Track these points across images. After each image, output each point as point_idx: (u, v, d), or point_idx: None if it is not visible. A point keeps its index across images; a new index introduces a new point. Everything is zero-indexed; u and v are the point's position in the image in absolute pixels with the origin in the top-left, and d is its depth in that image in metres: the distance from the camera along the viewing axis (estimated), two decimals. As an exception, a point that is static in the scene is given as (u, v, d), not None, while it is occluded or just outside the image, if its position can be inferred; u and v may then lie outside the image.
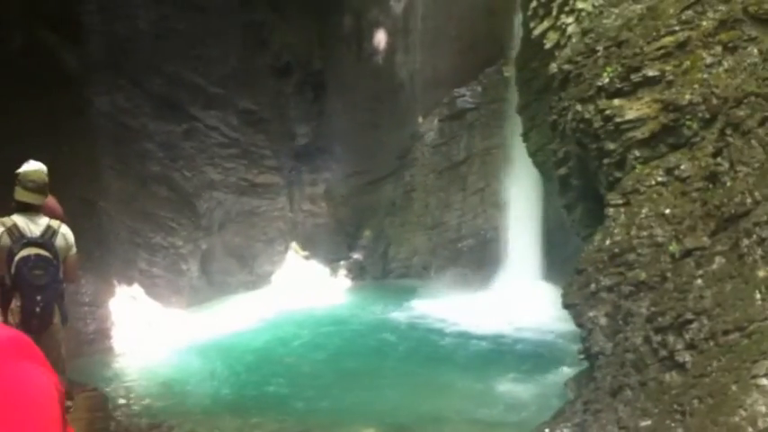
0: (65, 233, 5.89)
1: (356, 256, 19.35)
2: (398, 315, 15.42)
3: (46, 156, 6.89)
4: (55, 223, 5.87)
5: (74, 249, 6.04)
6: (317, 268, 18.70)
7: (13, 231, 5.62)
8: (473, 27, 17.76)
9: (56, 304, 5.78)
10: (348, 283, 18.68)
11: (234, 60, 16.42)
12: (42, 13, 12.04)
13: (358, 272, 19.09)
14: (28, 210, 5.85)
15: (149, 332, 13.34)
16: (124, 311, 13.36)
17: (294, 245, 18.73)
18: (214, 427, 8.88)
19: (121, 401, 9.63)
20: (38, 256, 5.56)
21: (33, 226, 5.75)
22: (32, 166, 6.40)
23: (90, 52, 12.99)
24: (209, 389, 10.86)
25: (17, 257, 5.47)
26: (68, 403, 7.05)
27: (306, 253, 18.84)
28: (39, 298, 5.53)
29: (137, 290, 14.29)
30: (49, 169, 6.76)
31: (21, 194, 5.90)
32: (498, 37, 17.07)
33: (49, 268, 5.70)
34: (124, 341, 12.68)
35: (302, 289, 17.23)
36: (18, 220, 5.76)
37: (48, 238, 5.74)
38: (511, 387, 10.04)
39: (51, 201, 6.66)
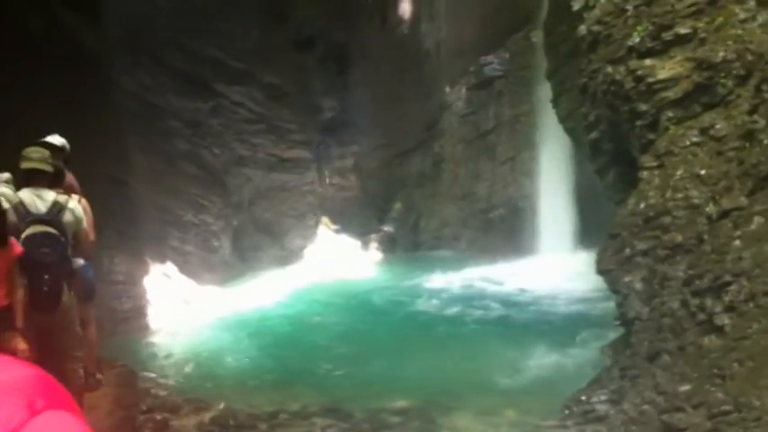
0: (73, 208, 5.76)
1: (387, 228, 19.32)
2: (430, 286, 15.37)
3: (72, 136, 6.91)
4: (62, 198, 5.74)
5: (83, 224, 5.93)
6: (348, 242, 18.71)
7: (19, 208, 5.49)
8: (498, -8, 17.50)
9: (65, 282, 5.66)
10: (379, 255, 18.67)
11: (255, 35, 16.34)
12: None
13: (389, 244, 19.06)
14: (33, 182, 5.78)
15: (184, 309, 13.45)
16: (158, 289, 13.46)
17: (324, 219, 18.74)
18: (249, 403, 8.88)
19: (157, 378, 9.68)
20: (44, 233, 5.46)
21: (40, 202, 5.63)
22: (51, 140, 6.42)
23: (110, 32, 12.96)
24: (244, 364, 10.91)
25: (23, 236, 5.36)
26: (99, 377, 7.11)
27: (336, 227, 18.85)
28: (46, 277, 5.43)
29: (170, 267, 14.39)
30: (76, 149, 6.75)
31: (24, 163, 5.85)
32: (524, 2, 16.79)
33: (57, 246, 5.60)
34: (159, 319, 12.79)
35: (334, 263, 17.27)
36: (24, 195, 5.64)
37: (54, 214, 5.62)
38: (545, 355, 9.95)
39: (69, 177, 6.65)
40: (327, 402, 8.78)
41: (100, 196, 11.44)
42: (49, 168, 5.75)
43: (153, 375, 9.85)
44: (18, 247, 5.27)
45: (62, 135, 7.07)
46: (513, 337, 11.20)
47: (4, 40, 10.81)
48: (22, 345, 5.10)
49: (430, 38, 18.92)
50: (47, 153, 5.90)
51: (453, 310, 13.39)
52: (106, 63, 12.80)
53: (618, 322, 7.80)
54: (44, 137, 6.58)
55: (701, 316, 6.16)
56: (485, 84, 18.48)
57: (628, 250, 7.45)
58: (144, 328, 12.44)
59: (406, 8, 18.80)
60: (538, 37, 15.38)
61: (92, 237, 6.41)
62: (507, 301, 13.46)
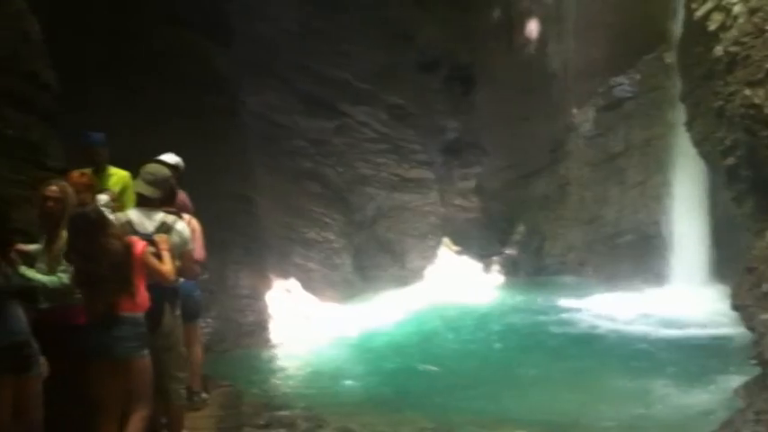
0: (180, 230, 5.83)
1: (509, 251, 19.00)
2: (553, 312, 14.97)
3: (200, 155, 7.15)
4: (170, 218, 5.80)
5: (190, 245, 6.00)
6: (469, 264, 18.51)
7: (126, 228, 5.60)
8: (630, 12, 16.94)
9: (167, 303, 5.73)
10: (501, 278, 18.37)
11: (380, 56, 16.54)
12: (192, 18, 12.57)
13: (511, 268, 18.73)
14: (145, 203, 5.93)
15: (304, 325, 13.64)
16: (280, 304, 13.73)
17: (446, 240, 18.63)
18: (366, 423, 8.84)
19: (271, 395, 9.81)
20: None
21: (148, 222, 5.72)
22: (165, 158, 6.59)
23: (239, 54, 13.42)
24: (360, 384, 10.91)
25: None
26: (204, 396, 7.21)
27: (458, 248, 18.70)
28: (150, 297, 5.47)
29: (292, 283, 14.67)
30: (204, 168, 6.92)
31: (136, 185, 6.02)
32: (657, 21, 16.20)
33: None
34: (280, 333, 13.02)
35: (454, 285, 17.11)
36: (133, 215, 5.78)
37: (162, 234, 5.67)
38: (672, 391, 9.43)
39: (182, 196, 6.79)
40: (442, 427, 8.65)
41: (227, 213, 11.89)
42: (155, 194, 5.84)
43: (268, 390, 10.01)
44: (140, 245, 5.41)
45: (190, 154, 7.30)
46: (638, 371, 10.70)
47: (136, 62, 11.40)
48: None
49: (557, 58, 18.56)
50: (160, 173, 6.05)
51: (576, 340, 12.97)
52: (235, 84, 13.25)
53: (754, 362, 7.31)
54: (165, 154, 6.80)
55: None
56: (614, 105, 17.94)
57: (765, 285, 6.98)
58: (265, 342, 12.68)
59: (532, 28, 18.54)
60: (671, 58, 14.82)
61: (200, 256, 6.51)
62: (634, 333, 12.90)
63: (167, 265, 5.49)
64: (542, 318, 14.67)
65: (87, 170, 6.72)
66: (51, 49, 7.84)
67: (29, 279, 4.99)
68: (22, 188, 5.80)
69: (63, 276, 5.22)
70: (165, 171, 6.11)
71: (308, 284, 14.97)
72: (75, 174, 6.32)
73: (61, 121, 7.74)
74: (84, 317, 5.21)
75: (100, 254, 5.13)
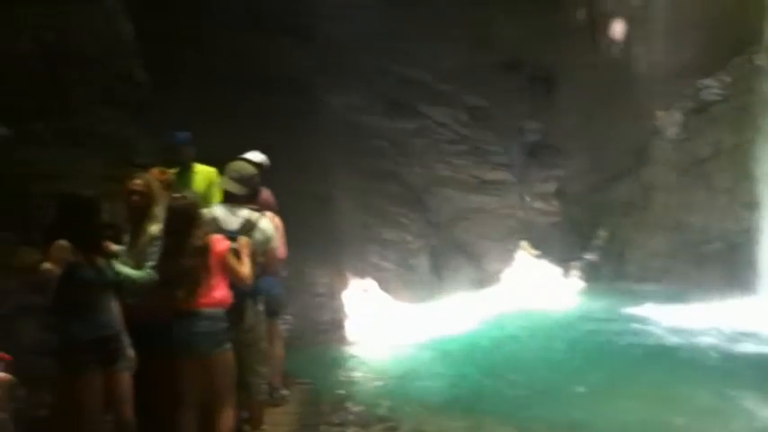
0: (264, 227, 5.89)
1: (590, 256, 18.59)
2: (633, 321, 14.52)
3: (282, 154, 7.22)
4: (254, 216, 5.87)
5: (273, 243, 6.05)
6: (548, 268, 18.21)
7: (212, 225, 5.65)
8: (720, 12, 16.33)
9: (250, 299, 5.78)
10: (580, 284, 17.99)
11: (461, 57, 16.45)
12: (276, 19, 12.74)
13: (591, 274, 18.32)
14: (230, 200, 5.94)
15: (379, 325, 13.66)
16: (356, 304, 13.79)
17: (524, 244, 18.37)
18: (441, 426, 8.77)
19: (345, 394, 9.82)
20: (233, 250, 5.58)
21: (232, 219, 5.79)
22: (250, 156, 6.66)
23: (323, 55, 13.53)
24: (435, 385, 10.80)
25: None
26: (284, 392, 7.28)
27: (536, 252, 18.42)
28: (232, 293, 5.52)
29: (369, 283, 14.71)
30: (286, 166, 7.00)
31: (222, 182, 6.09)
32: (749, 22, 15.58)
33: None
34: (355, 333, 13.06)
35: (532, 289, 16.87)
36: (218, 211, 5.87)
37: (245, 231, 5.74)
38: (755, 410, 9.01)
39: (266, 194, 6.86)
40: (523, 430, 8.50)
41: (306, 212, 12.00)
42: (240, 191, 5.93)
43: (343, 389, 10.03)
44: (223, 244, 5.47)
45: (274, 153, 7.40)
46: (719, 386, 10.24)
47: (221, 64, 11.63)
48: None
49: (642, 60, 18.04)
50: (245, 170, 6.12)
51: (656, 350, 12.53)
52: (317, 85, 13.37)
53: None
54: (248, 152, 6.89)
55: None
56: (702, 109, 17.30)
57: None
58: (340, 341, 12.75)
59: (617, 29, 18.10)
60: (762, 60, 14.25)
61: (281, 254, 6.57)
62: (721, 345, 12.38)
63: (246, 268, 5.52)
64: (622, 326, 14.25)
65: (166, 168, 6.76)
66: (142, 50, 8.07)
67: (119, 273, 5.10)
68: (114, 184, 5.89)
69: (152, 272, 5.28)
70: (251, 169, 6.21)
71: (384, 284, 14.99)
72: (156, 171, 6.41)
73: (151, 120, 7.96)
74: (168, 312, 5.30)
75: (187, 249, 5.25)
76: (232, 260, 5.45)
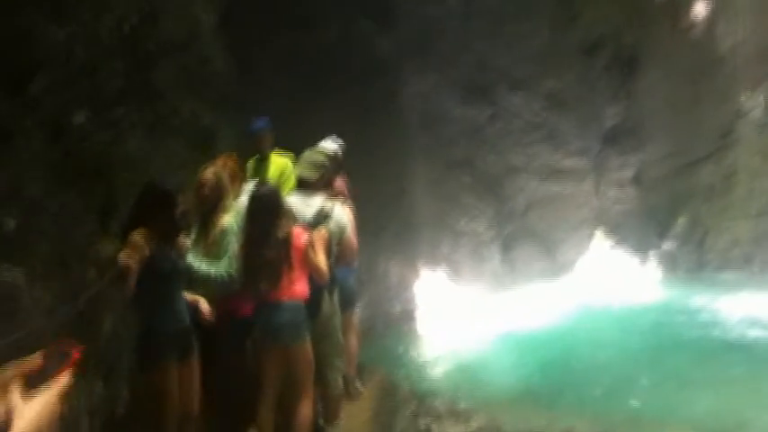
0: (338, 217, 5.80)
1: (668, 245, 17.98)
2: (714, 311, 14.00)
3: (357, 141, 7.10)
4: (328, 205, 5.75)
5: (348, 231, 5.97)
6: (624, 258, 17.71)
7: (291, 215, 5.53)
8: (807, -10, 15.57)
9: (325, 290, 5.65)
10: (658, 274, 17.45)
11: (542, 39, 16.04)
12: (358, 2, 12.60)
13: (670, 263, 17.73)
14: (302, 187, 5.81)
15: (451, 316, 13.51)
16: (428, 294, 13.66)
17: (600, 232, 17.91)
18: (516, 418, 8.59)
19: (419, 385, 9.72)
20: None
21: (306, 208, 5.70)
22: (325, 144, 6.56)
23: (402, 37, 13.35)
24: (508, 378, 10.64)
25: None
26: (359, 385, 7.20)
27: (612, 241, 17.93)
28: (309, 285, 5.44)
29: (440, 273, 14.56)
30: (361, 154, 6.88)
31: (296, 168, 6.00)
32: (839, -2, 14.78)
33: None
34: (427, 324, 12.95)
35: (608, 279, 16.45)
36: (293, 201, 5.75)
37: (320, 221, 5.66)
38: None
39: (340, 183, 6.77)
40: (598, 427, 8.26)
41: (381, 200, 11.90)
42: (313, 177, 5.85)
43: (416, 381, 9.94)
44: (303, 236, 5.36)
45: (351, 139, 7.30)
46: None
47: (304, 49, 11.57)
48: None
49: (727, 40, 17.30)
50: (318, 159, 6.02)
51: (739, 342, 12.06)
52: (397, 69, 13.22)
53: None
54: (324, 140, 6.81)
55: None
56: (788, 90, 16.56)
57: None
58: (412, 333, 12.67)
59: (700, 9, 17.39)
60: None
61: (354, 243, 6.47)
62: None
63: (322, 263, 5.47)
64: (701, 317, 13.77)
65: (236, 157, 6.53)
66: (224, 37, 8.03)
67: (190, 267, 5.07)
68: (194, 173, 5.81)
69: (228, 269, 5.21)
70: (324, 156, 6.15)
71: (455, 275, 14.82)
72: (222, 159, 6.29)
73: (232, 108, 7.93)
74: (245, 308, 5.26)
75: (271, 238, 5.20)
76: (312, 254, 5.39)
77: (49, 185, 4.03)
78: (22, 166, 3.75)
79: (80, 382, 4.49)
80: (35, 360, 1.47)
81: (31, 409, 1.35)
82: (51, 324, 3.84)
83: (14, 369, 1.47)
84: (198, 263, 5.16)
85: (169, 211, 4.84)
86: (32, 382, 1.41)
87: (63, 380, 1.44)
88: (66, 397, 1.46)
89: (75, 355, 1.49)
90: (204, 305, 5.16)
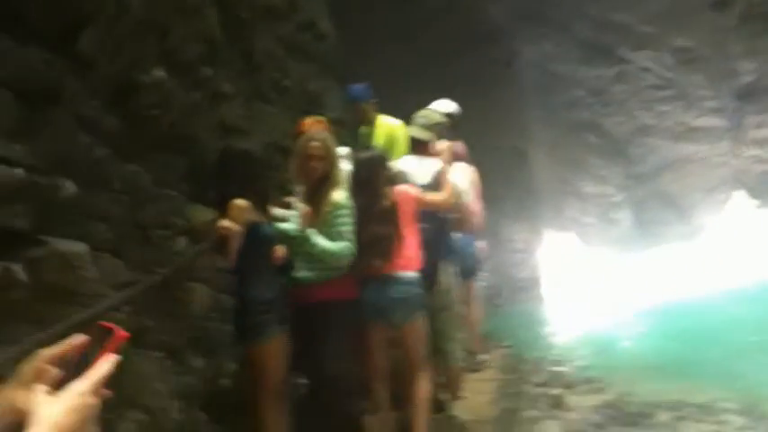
0: (455, 180, 5.45)
1: (815, 206, 16.85)
2: None
3: (475, 107, 6.94)
4: (445, 170, 5.37)
5: (467, 196, 5.71)
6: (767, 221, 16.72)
7: (399, 178, 5.11)
8: None
9: (443, 260, 5.36)
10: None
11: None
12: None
13: (818, 225, 16.62)
14: (416, 149, 5.56)
15: (579, 281, 13.22)
16: (554, 260, 13.40)
17: (739, 193, 16.97)
18: (651, 389, 8.25)
19: (548, 353, 9.54)
20: None
21: (422, 172, 5.34)
22: (439, 105, 6.35)
23: (515, 3, 13.01)
24: (640, 347, 10.24)
25: None
26: (483, 357, 6.92)
27: (756, 202, 16.95)
28: (425, 255, 5.01)
29: (567, 238, 14.24)
30: (480, 120, 6.73)
31: (410, 129, 5.75)
32: None
33: (434, 220, 5.23)
34: (554, 289, 12.72)
35: (748, 243, 15.57)
36: (406, 164, 5.43)
37: (438, 185, 5.27)
38: None
39: (458, 146, 6.52)
40: (741, 398, 7.81)
41: (502, 166, 11.72)
42: (426, 136, 5.55)
43: (544, 349, 9.75)
44: (411, 191, 5.07)
45: (467, 106, 7.12)
46: None
47: (415, 15, 11.44)
48: None
49: None
50: (433, 118, 5.81)
51: None
52: (510, 34, 12.92)
53: None
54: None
55: None
56: None
57: None
58: (537, 299, 12.47)
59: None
60: None
61: (478, 209, 6.20)
62: None
63: (443, 195, 5.19)
64: None
65: (322, 120, 5.88)
66: (331, 2, 7.92)
67: (315, 243, 4.65)
68: (293, 141, 5.30)
69: (350, 244, 4.71)
70: (438, 116, 5.93)
71: (583, 239, 14.46)
72: (309, 121, 5.70)
73: (340, 74, 7.80)
74: (351, 290, 4.83)
75: (376, 212, 4.82)
76: (425, 197, 5.04)
77: (116, 150, 3.78)
78: (84, 128, 3.49)
79: (165, 364, 4.27)
80: (71, 344, 1.24)
81: (57, 409, 1.12)
82: (127, 297, 3.58)
83: (43, 357, 1.22)
84: (318, 240, 4.60)
85: (266, 178, 4.70)
86: (69, 371, 1.19)
87: (103, 367, 1.21)
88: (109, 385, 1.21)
89: (121, 335, 1.26)
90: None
